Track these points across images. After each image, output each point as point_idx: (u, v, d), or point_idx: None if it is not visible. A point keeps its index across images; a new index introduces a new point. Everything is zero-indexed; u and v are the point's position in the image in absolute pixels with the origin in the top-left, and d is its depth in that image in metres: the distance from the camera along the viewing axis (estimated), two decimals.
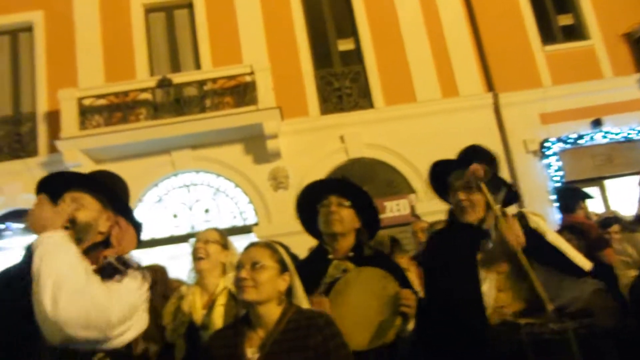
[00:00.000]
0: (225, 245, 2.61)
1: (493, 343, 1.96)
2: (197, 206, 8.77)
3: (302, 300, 1.94)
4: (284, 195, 8.51)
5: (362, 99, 9.13)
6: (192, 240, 2.66)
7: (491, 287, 2.11)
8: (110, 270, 1.63)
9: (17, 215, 8.78)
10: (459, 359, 2.06)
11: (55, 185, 1.77)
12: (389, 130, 8.70)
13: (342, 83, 9.26)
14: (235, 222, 8.64)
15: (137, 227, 1.87)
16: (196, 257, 2.54)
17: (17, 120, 9.34)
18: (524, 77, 8.94)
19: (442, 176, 2.46)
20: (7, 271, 1.75)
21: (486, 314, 2.08)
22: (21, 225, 8.64)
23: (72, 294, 1.44)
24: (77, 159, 8.27)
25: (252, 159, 8.67)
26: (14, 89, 9.57)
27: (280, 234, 7.68)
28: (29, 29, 9.63)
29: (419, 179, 8.51)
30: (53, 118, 8.85)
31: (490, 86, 9.01)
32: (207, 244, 2.55)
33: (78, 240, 1.65)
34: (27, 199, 8.78)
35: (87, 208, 1.71)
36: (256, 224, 8.46)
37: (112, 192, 1.81)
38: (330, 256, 2.35)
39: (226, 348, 1.83)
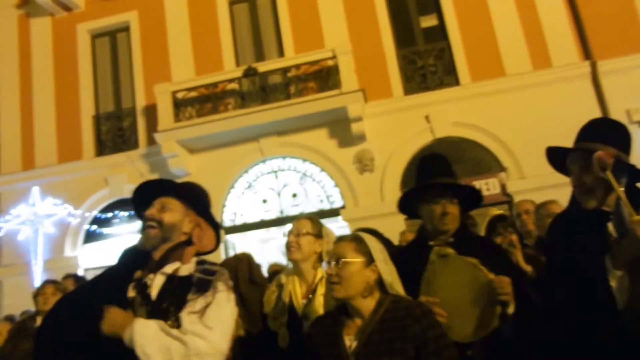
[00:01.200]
0: (318, 235, 2.58)
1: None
2: (285, 191, 9.15)
3: (398, 288, 1.96)
4: (369, 178, 8.67)
5: (447, 76, 9.02)
6: (286, 230, 2.65)
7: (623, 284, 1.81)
8: (201, 284, 1.84)
9: (123, 204, 9.68)
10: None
11: (147, 192, 2.04)
12: (477, 108, 8.54)
13: (425, 61, 9.20)
14: (322, 205, 8.92)
15: (216, 228, 2.09)
16: (289, 250, 2.56)
17: (118, 116, 10.24)
18: (626, 42, 8.36)
19: (559, 157, 2.18)
20: (108, 272, 2.01)
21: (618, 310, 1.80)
22: (126, 214, 9.55)
23: None
24: (173, 149, 8.93)
25: (337, 143, 8.88)
26: (115, 87, 10.48)
27: (367, 216, 7.90)
28: (125, 29, 10.48)
29: (509, 157, 8.31)
30: (150, 112, 9.61)
31: (587, 54, 8.53)
32: (298, 236, 2.54)
33: (165, 240, 1.89)
34: (132, 189, 9.63)
35: (173, 211, 1.94)
36: (343, 207, 8.69)
37: (194, 198, 2.04)
38: (431, 242, 2.33)
39: (325, 336, 1.91)
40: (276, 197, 9.14)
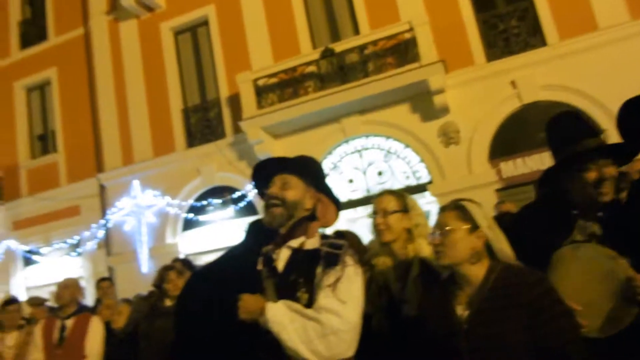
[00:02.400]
0: (405, 210, 2.45)
1: None
2: (371, 170, 9.27)
3: (509, 255, 1.90)
4: (456, 151, 8.57)
5: (532, 37, 8.63)
6: (370, 211, 2.52)
7: None
8: (329, 258, 1.85)
9: (215, 192, 10.28)
10: None
11: (266, 170, 2.08)
12: (568, 68, 8.11)
13: (507, 24, 8.85)
14: (409, 182, 8.95)
15: (337, 203, 2.08)
16: (378, 232, 2.44)
17: (205, 108, 10.80)
18: None
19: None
20: (237, 247, 2.07)
21: None
22: (219, 201, 10.12)
23: (321, 340, 1.70)
24: (258, 136, 9.32)
25: (420, 117, 8.83)
26: (199, 80, 11.05)
27: (455, 190, 7.83)
28: (205, 23, 10.98)
29: (607, 118, 7.85)
30: (234, 101, 10.05)
31: None
32: (386, 216, 2.42)
33: (288, 217, 1.92)
34: (222, 177, 10.22)
35: (294, 188, 1.96)
36: (430, 182, 8.67)
37: (313, 173, 2.06)
38: (576, 212, 2.08)
39: (435, 306, 1.92)
40: (362, 176, 9.29)
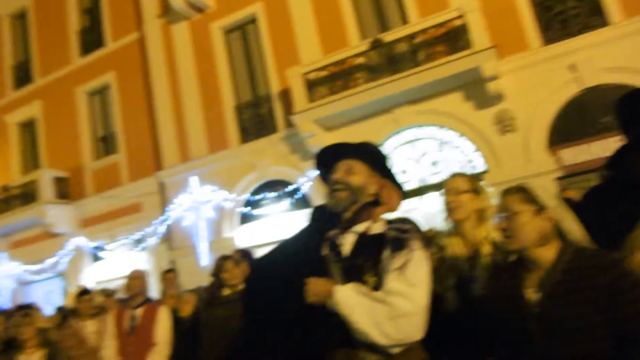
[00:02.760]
0: (476, 191, 2.47)
1: None
2: (424, 160, 9.21)
3: (581, 236, 1.86)
4: (512, 139, 8.38)
5: (592, 17, 8.28)
6: (442, 191, 2.54)
7: None
8: (396, 242, 1.85)
9: (270, 186, 10.49)
10: None
11: (329, 156, 2.09)
12: (632, 48, 7.75)
13: (564, 5, 8.53)
14: (464, 171, 8.81)
15: (401, 189, 2.09)
16: (449, 210, 2.46)
17: (256, 104, 11.02)
18: None
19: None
20: (302, 232, 2.08)
21: None
22: (274, 195, 10.32)
23: (390, 322, 1.71)
24: (310, 129, 9.43)
25: (474, 105, 8.68)
26: (250, 77, 11.28)
27: (512, 179, 7.63)
28: (253, 20, 11.17)
29: None
30: (285, 96, 10.21)
31: None
32: (458, 194, 2.44)
33: (353, 201, 1.94)
34: (276, 171, 10.42)
35: (358, 173, 1.98)
36: (486, 172, 8.52)
37: (377, 159, 2.06)
38: None
39: (504, 290, 1.89)
40: (415, 166, 9.25)
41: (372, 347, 1.74)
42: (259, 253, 5.19)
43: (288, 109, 10.00)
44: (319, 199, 9.73)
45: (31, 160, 14.17)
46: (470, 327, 2.06)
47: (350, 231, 1.95)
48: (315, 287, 1.82)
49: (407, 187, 9.20)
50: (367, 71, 9.08)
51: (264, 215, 10.47)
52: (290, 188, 10.15)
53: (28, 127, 14.33)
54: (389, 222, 1.97)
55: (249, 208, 10.55)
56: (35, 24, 14.35)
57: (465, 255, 2.42)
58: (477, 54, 8.15)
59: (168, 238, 11.36)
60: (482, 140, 8.60)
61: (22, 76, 14.43)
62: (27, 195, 12.57)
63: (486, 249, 2.35)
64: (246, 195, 10.67)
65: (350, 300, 1.75)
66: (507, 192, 1.93)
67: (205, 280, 6.11)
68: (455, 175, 2.56)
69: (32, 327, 4.41)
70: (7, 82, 14.61)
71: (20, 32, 14.89)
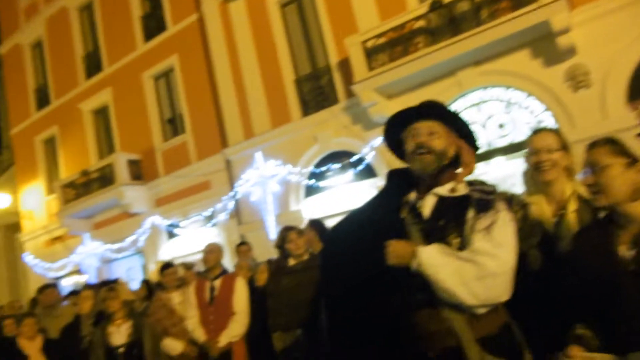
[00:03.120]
0: (565, 147, 2.40)
1: None
2: (490, 123, 8.93)
3: None
4: (586, 95, 7.94)
5: None
6: (528, 149, 2.44)
7: None
8: (481, 203, 1.84)
9: (333, 157, 10.55)
10: None
11: (401, 119, 2.05)
12: None
13: None
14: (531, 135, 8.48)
15: (475, 149, 2.05)
16: (541, 170, 2.36)
17: (316, 76, 11.04)
18: None
19: None
20: (379, 195, 2.13)
21: None
22: (338, 166, 10.37)
23: (478, 282, 1.70)
24: (371, 98, 9.35)
25: (543, 62, 8.27)
26: (308, 49, 11.29)
27: (588, 137, 7.17)
28: None
29: None
30: (344, 66, 10.15)
31: None
32: (550, 152, 2.34)
33: (439, 164, 1.92)
34: (339, 142, 10.45)
35: (441, 136, 1.94)
36: None
37: (454, 119, 2.02)
38: None
39: (595, 248, 1.83)
40: (481, 130, 8.98)
41: (457, 308, 1.74)
42: (327, 224, 5.27)
43: (348, 79, 9.95)
44: (383, 168, 9.69)
45: (106, 145, 14.97)
46: (554, 286, 2.02)
47: (430, 193, 1.93)
48: (396, 248, 1.83)
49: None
50: (427, 35, 8.84)
51: (329, 186, 10.56)
52: (354, 158, 10.16)
53: (101, 114, 15.10)
54: (470, 183, 1.96)
55: (313, 180, 10.66)
56: (101, 14, 14.95)
57: (551, 212, 2.35)
58: (545, 7, 7.71)
59: (237, 213, 11.72)
60: (553, 99, 8.21)
61: (93, 65, 15.14)
62: (104, 178, 13.31)
63: (573, 206, 2.27)
64: (310, 168, 10.78)
65: (435, 260, 1.76)
66: (594, 145, 1.85)
67: (274, 254, 6.29)
68: (544, 132, 2.46)
69: (118, 300, 4.74)
70: (79, 72, 15.39)
71: (87, 23, 15.59)
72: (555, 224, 2.30)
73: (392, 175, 2.13)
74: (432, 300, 1.77)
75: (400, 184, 2.04)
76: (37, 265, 15.72)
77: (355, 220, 2.12)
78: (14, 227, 18.25)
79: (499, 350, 1.73)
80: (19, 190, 17.09)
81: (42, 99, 16.55)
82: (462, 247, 1.79)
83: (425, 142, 1.93)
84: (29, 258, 16.08)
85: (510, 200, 2.50)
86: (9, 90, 17.90)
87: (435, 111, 2.01)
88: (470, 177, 1.99)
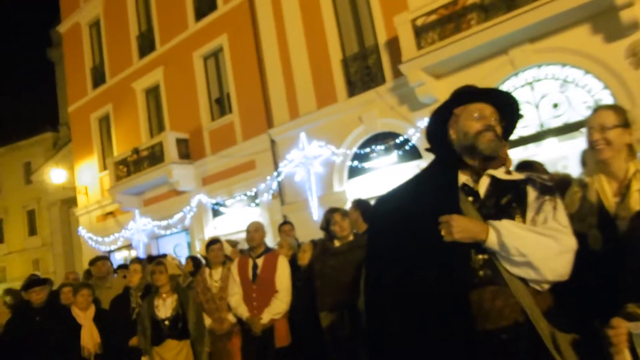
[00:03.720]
0: (625, 124, 2.27)
1: None
2: (544, 102, 8.56)
3: None
4: None
5: None
6: (585, 127, 2.37)
7: None
8: (543, 187, 1.89)
9: (378, 139, 10.42)
10: None
11: (459, 99, 2.05)
12: None
13: None
14: (590, 113, 8.07)
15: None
16: (595, 149, 2.30)
17: (363, 55, 10.90)
18: None
19: None
20: (421, 176, 2.11)
21: None
22: (382, 147, 10.24)
23: (559, 258, 1.75)
24: (419, 78, 9.15)
25: (603, 38, 7.83)
26: (357, 28, 11.16)
27: None
28: None
29: None
30: (393, 45, 9.97)
31: None
32: (604, 131, 2.26)
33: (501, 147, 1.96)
34: (384, 123, 10.30)
35: (498, 123, 1.97)
36: None
37: (511, 107, 2.05)
38: None
39: None
40: (534, 110, 8.63)
41: (523, 283, 1.75)
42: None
43: (396, 58, 9.77)
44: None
45: (156, 124, 15.40)
46: (614, 267, 1.98)
47: (485, 174, 1.94)
48: (463, 223, 1.79)
49: (524, 132, 8.67)
50: (480, 11, 8.54)
51: (373, 168, 10.46)
52: (399, 140, 9.99)
53: (152, 93, 15.53)
54: (520, 167, 2.15)
55: (357, 162, 10.58)
56: None
57: (612, 192, 2.28)
58: None
59: (280, 193, 11.81)
60: (613, 77, 7.78)
61: (146, 45, 15.56)
62: (154, 156, 13.71)
63: (636, 185, 2.19)
64: (354, 149, 10.70)
65: (517, 234, 1.75)
66: None
67: (317, 235, 6.26)
68: (601, 109, 2.38)
69: (166, 274, 4.86)
70: (133, 52, 15.84)
71: (142, 3, 15.97)
72: (617, 203, 2.23)
73: (439, 153, 2.11)
74: (496, 277, 1.77)
75: (449, 162, 2.01)
76: (90, 238, 16.44)
77: (402, 197, 2.09)
78: (70, 202, 19.17)
79: (559, 324, 1.75)
80: (75, 166, 17.89)
81: (98, 78, 17.20)
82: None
83: (494, 126, 1.96)
84: (83, 232, 16.83)
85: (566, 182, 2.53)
86: (68, 68, 18.71)
87: (497, 98, 2.03)
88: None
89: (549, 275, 1.72)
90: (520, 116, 2.11)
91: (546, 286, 1.75)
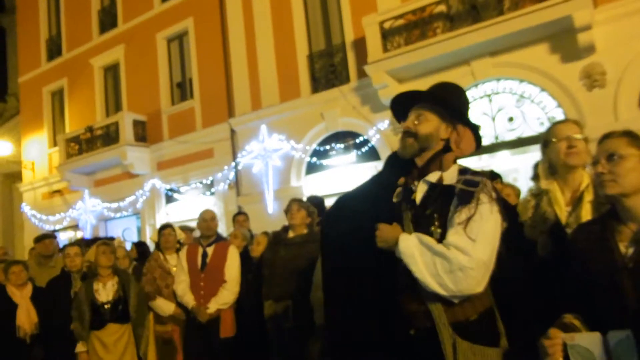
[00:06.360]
0: (586, 138, 2.42)
1: None
2: (500, 115, 8.89)
3: None
4: (600, 95, 7.89)
5: None
6: (549, 138, 2.47)
7: None
8: (463, 195, 1.86)
9: (338, 137, 10.55)
10: None
11: (402, 103, 2.13)
12: None
13: None
14: (543, 128, 8.39)
15: (475, 130, 2.08)
16: (573, 153, 2.38)
17: (330, 53, 10.99)
18: None
19: None
20: (375, 177, 2.21)
21: None
22: (342, 146, 10.38)
23: (448, 275, 1.76)
24: (383, 80, 9.31)
25: (560, 58, 8.21)
26: (325, 25, 11.23)
27: (596, 138, 7.24)
28: None
29: None
30: (359, 45, 10.10)
31: None
32: (576, 140, 2.38)
33: (421, 149, 1.99)
34: (345, 122, 10.43)
35: (428, 121, 2.00)
36: None
37: (448, 102, 2.04)
38: None
39: (593, 242, 1.81)
40: (491, 122, 8.95)
41: (435, 294, 1.82)
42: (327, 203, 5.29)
43: (361, 59, 9.90)
44: (387, 152, 9.68)
45: (113, 103, 15.02)
46: (561, 272, 2.03)
47: (422, 180, 1.99)
48: (384, 233, 1.92)
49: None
50: (446, 20, 8.77)
51: (331, 166, 10.59)
52: (358, 140, 10.15)
53: (111, 71, 15.12)
54: (461, 172, 1.97)
55: (316, 158, 10.69)
56: None
57: (565, 201, 2.40)
58: (569, 2, 7.61)
59: (237, 184, 11.78)
60: (567, 96, 8.17)
61: (107, 21, 15.12)
62: (109, 137, 13.38)
63: (589, 197, 2.31)
64: (314, 146, 10.80)
65: (412, 249, 1.84)
66: (611, 135, 1.83)
67: (271, 227, 6.30)
68: (569, 121, 2.51)
69: (111, 256, 4.80)
70: (93, 27, 15.36)
71: None
72: (569, 212, 2.34)
73: (391, 158, 2.18)
74: (414, 284, 1.86)
75: (398, 168, 2.09)
76: (34, 216, 15.91)
77: (355, 199, 2.20)
78: (13, 176, 18.42)
79: (474, 336, 1.83)
80: (23, 139, 17.21)
81: (53, 50, 16.60)
82: (442, 238, 1.84)
83: (409, 127, 2.02)
84: (26, 208, 16.26)
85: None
86: (21, 37, 17.87)
87: (426, 97, 2.07)
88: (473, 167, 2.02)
89: (440, 291, 1.77)
90: (455, 100, 2.07)
91: (455, 299, 1.80)
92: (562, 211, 2.36)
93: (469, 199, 1.83)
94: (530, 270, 2.28)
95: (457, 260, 1.74)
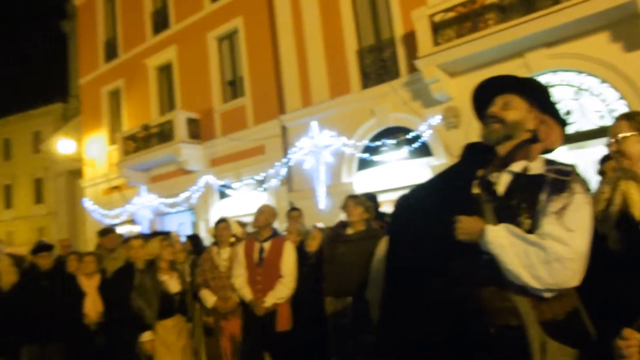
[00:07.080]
0: None
1: None
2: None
3: None
4: None
5: None
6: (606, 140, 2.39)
7: None
8: (556, 184, 1.80)
9: (389, 132, 10.52)
10: None
11: (487, 90, 2.05)
12: None
13: None
14: (603, 122, 8.14)
15: (563, 125, 2.02)
16: (615, 158, 2.34)
17: (379, 48, 10.96)
18: None
19: None
20: (452, 169, 2.14)
21: None
22: (393, 141, 10.34)
23: (544, 266, 1.69)
24: (434, 74, 9.22)
25: (623, 47, 7.86)
26: (374, 20, 11.20)
27: None
28: None
29: None
30: (409, 39, 10.02)
31: None
32: (618, 143, 2.30)
33: (507, 137, 1.91)
34: (396, 117, 10.39)
35: (516, 108, 1.94)
36: None
37: (538, 93, 2.00)
38: None
39: None
40: None
41: (523, 289, 1.75)
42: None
43: (412, 53, 9.82)
44: (439, 147, 9.60)
45: (167, 102, 15.52)
46: (633, 274, 1.97)
47: (505, 170, 1.92)
48: (466, 225, 1.85)
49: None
50: (498, 11, 8.56)
51: (383, 162, 10.58)
52: (410, 135, 10.10)
53: (165, 71, 15.63)
54: (549, 162, 1.92)
55: (367, 154, 10.70)
56: None
57: (639, 197, 2.27)
58: None
59: (288, 180, 11.96)
60: (630, 87, 7.82)
61: (160, 22, 15.62)
62: (164, 134, 13.86)
63: None
64: (365, 142, 10.81)
65: (502, 240, 1.76)
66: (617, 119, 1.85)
67: (322, 222, 6.38)
68: (618, 118, 2.38)
69: (171, 250, 5.04)
70: (147, 28, 15.92)
71: None
72: None
73: (469, 149, 2.13)
74: (498, 278, 1.78)
75: (476, 158, 2.04)
76: (95, 211, 16.70)
77: (427, 192, 2.16)
78: (76, 173, 19.39)
79: (563, 336, 1.73)
80: (84, 138, 18.08)
81: (111, 52, 17.31)
82: (533, 229, 1.77)
83: (496, 113, 1.96)
84: (88, 203, 17.09)
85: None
86: (81, 41, 18.78)
87: (515, 84, 2.01)
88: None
89: (534, 283, 1.70)
90: (544, 96, 2.01)
91: (547, 294, 1.71)
92: (635, 207, 2.22)
93: (562, 188, 1.78)
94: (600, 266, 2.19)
95: (554, 250, 1.67)
